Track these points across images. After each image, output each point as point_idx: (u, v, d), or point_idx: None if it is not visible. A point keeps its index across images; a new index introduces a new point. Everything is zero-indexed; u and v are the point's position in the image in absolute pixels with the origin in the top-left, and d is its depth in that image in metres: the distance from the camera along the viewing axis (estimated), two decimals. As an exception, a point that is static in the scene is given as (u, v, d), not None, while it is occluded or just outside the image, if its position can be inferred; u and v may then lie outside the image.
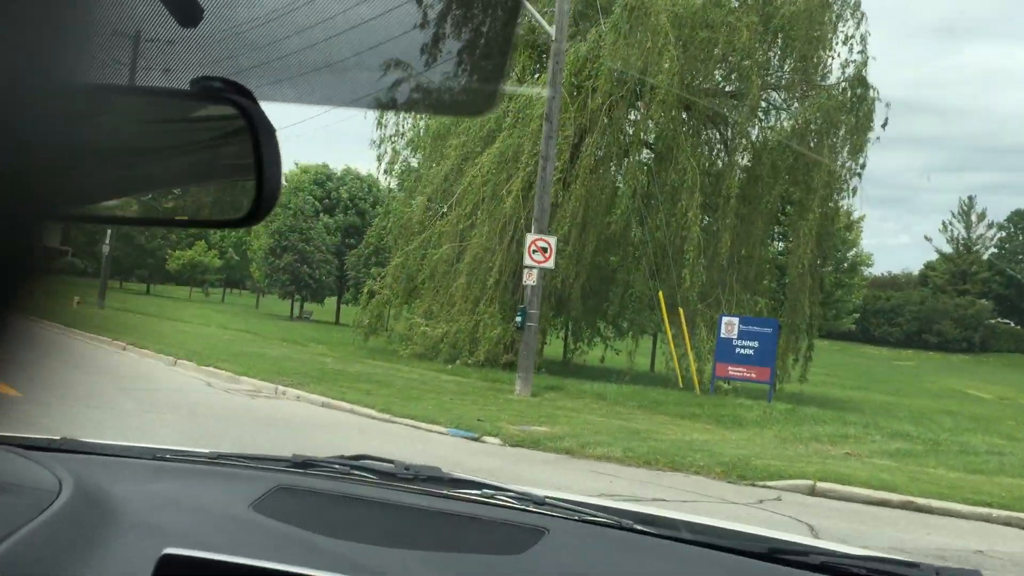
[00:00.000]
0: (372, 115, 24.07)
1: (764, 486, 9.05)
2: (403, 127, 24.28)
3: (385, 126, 24.14)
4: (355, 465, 1.88)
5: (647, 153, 22.83)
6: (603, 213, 21.44)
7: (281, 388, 13.43)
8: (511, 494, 1.78)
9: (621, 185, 22.59)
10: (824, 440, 12.42)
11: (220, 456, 1.92)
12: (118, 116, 0.86)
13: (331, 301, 56.11)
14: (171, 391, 12.56)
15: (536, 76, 22.46)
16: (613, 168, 22.66)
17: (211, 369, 15.30)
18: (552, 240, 16.06)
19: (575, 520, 1.66)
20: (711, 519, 2.05)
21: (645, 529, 1.64)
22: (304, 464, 1.86)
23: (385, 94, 1.08)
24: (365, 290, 25.13)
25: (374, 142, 24.39)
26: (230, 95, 0.88)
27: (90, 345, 19.17)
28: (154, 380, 13.59)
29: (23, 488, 1.40)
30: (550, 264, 16.01)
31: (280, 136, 0.90)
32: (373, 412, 11.82)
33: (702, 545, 1.58)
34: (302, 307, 55.00)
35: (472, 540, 1.56)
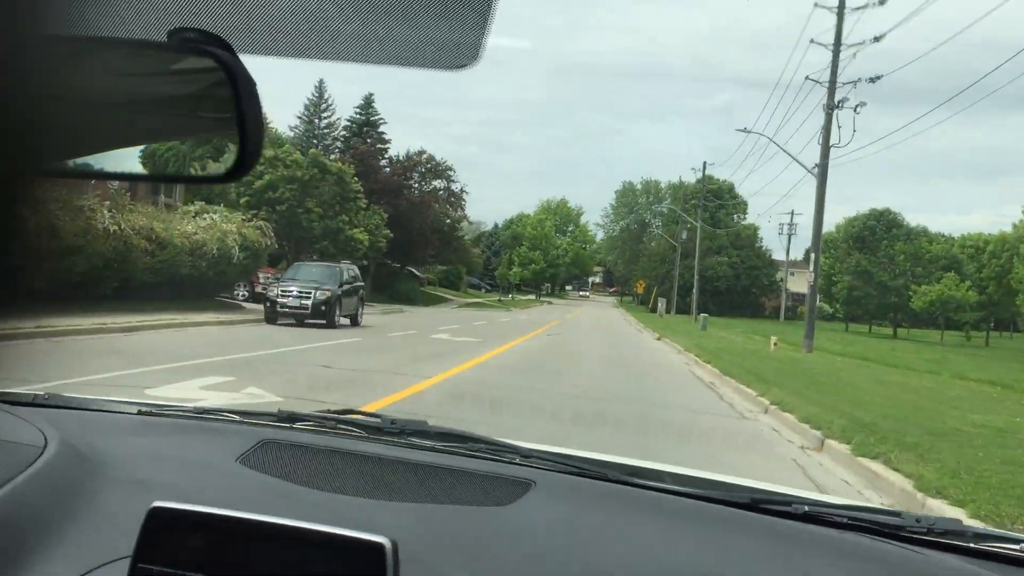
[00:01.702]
0: None
1: None
2: None
3: None
4: (341, 419, 1.89)
5: None
6: None
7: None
8: (497, 447, 1.77)
9: None
10: None
11: (205, 411, 1.95)
12: (92, 68, 0.83)
13: None
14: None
15: None
16: None
17: (875, 467, 7.43)
18: None
19: (561, 472, 1.67)
20: (698, 470, 1.97)
21: (630, 480, 1.64)
22: (290, 418, 1.88)
23: (365, 45, 1.05)
24: None
25: None
26: (208, 47, 0.85)
27: (725, 398, 12.79)
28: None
29: (8, 443, 1.43)
30: None
31: (261, 90, 0.86)
32: None
33: (687, 496, 1.58)
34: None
35: (458, 492, 1.55)
